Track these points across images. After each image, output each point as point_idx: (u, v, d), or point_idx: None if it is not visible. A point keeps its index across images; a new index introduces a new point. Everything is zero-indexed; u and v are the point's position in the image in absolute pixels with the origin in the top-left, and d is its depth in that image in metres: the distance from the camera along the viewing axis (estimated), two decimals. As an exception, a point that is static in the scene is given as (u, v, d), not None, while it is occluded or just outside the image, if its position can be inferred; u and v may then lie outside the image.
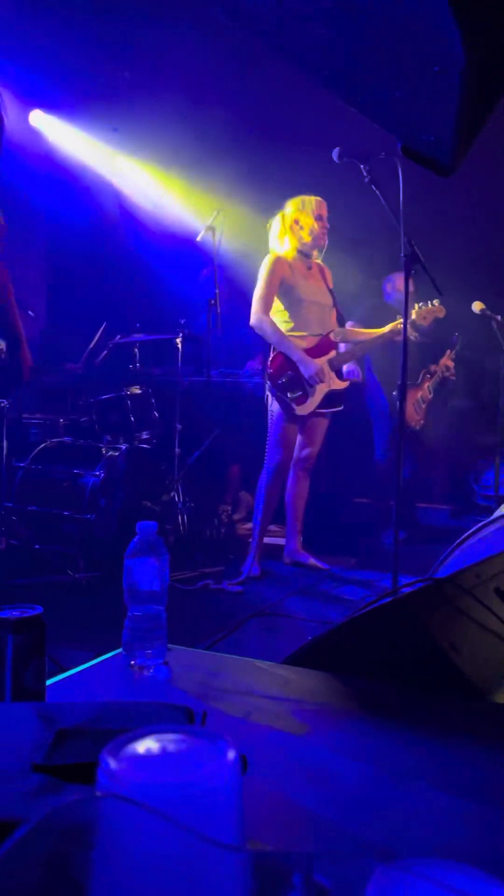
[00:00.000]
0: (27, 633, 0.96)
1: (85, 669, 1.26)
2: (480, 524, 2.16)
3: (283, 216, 3.75)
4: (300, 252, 3.78)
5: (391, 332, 3.86)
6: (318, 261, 3.87)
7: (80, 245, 5.22)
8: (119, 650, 1.31)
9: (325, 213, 3.74)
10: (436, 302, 3.76)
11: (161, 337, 4.33)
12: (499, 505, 2.49)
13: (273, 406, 3.73)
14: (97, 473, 3.61)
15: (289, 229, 3.73)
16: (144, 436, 4.00)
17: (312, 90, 3.89)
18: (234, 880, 0.28)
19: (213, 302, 4.17)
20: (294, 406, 3.69)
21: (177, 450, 4.17)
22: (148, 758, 0.32)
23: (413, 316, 3.81)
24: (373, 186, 2.59)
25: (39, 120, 4.97)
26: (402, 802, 0.82)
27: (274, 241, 3.79)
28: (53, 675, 1.17)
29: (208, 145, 4.73)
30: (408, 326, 3.77)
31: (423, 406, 4.83)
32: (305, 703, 1.11)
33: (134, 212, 5.73)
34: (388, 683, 1.18)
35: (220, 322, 4.12)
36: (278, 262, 3.73)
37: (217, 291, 4.15)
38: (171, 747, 0.33)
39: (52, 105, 4.90)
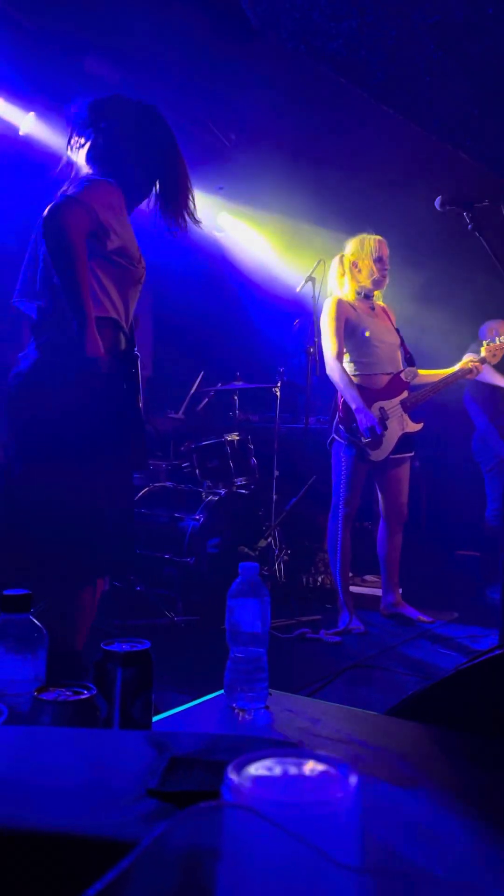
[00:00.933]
0: (136, 667, 0.99)
1: (186, 710, 1.27)
2: None
3: (342, 258, 3.70)
4: (359, 294, 3.69)
5: (461, 370, 3.77)
6: (380, 302, 3.81)
7: (185, 298, 5.43)
8: (220, 692, 1.31)
9: (385, 252, 3.66)
10: (502, 339, 3.72)
11: (260, 386, 4.41)
12: None
13: (343, 452, 3.59)
14: (197, 518, 3.67)
15: (348, 271, 3.67)
16: (243, 482, 4.05)
17: (413, 142, 3.95)
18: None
19: (311, 350, 4.22)
20: (368, 451, 3.55)
21: (274, 496, 4.19)
22: (272, 776, 0.33)
23: (482, 353, 3.77)
24: (476, 233, 2.57)
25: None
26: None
27: (333, 283, 3.74)
28: (156, 713, 1.18)
29: (310, 199, 4.85)
30: (476, 364, 3.72)
31: None
32: (411, 756, 1.07)
33: (237, 265, 5.93)
34: (496, 739, 1.12)
35: (318, 370, 4.16)
36: (340, 304, 3.65)
37: (316, 340, 4.20)
38: (293, 769, 0.33)
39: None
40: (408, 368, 3.75)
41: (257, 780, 0.32)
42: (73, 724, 0.80)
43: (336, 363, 3.58)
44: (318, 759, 0.34)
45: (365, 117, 3.98)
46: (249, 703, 1.25)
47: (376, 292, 3.75)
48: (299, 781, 0.33)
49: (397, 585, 3.89)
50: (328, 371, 3.64)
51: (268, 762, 0.34)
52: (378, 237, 3.66)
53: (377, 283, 3.69)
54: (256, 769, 0.33)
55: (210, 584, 3.54)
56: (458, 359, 4.65)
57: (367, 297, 3.72)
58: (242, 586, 1.32)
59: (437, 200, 2.74)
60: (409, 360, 3.82)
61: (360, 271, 3.66)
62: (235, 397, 4.45)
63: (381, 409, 3.61)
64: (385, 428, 3.56)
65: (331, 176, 4.65)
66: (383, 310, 3.83)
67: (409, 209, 3.85)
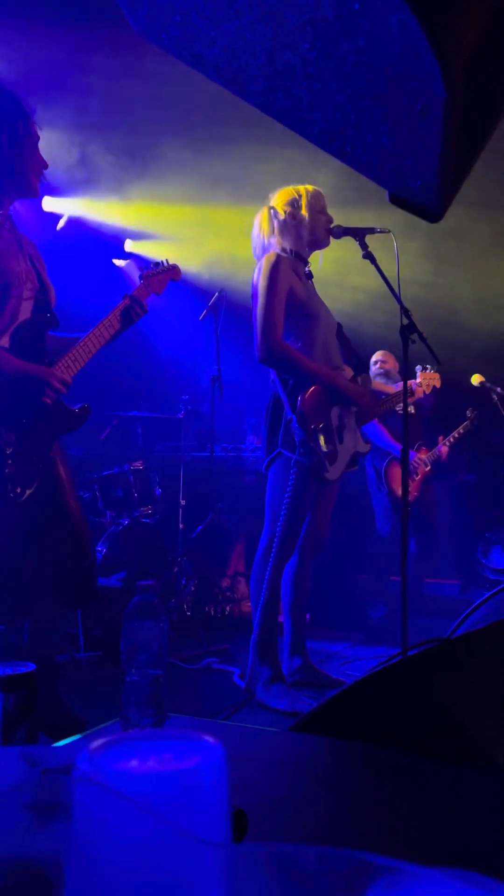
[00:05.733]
0: (18, 692, 0.93)
1: (81, 739, 1.21)
2: (490, 593, 2.12)
3: (271, 210, 2.85)
4: (297, 256, 2.83)
5: (395, 398, 3.36)
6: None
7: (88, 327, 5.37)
8: (117, 720, 1.26)
9: (325, 206, 2.89)
10: (435, 370, 3.77)
11: (162, 416, 4.38)
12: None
13: (291, 470, 2.67)
14: (99, 549, 3.57)
15: (283, 226, 2.81)
16: (147, 511, 3.98)
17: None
18: (212, 875, 0.26)
19: (215, 378, 4.23)
20: (326, 464, 2.66)
21: (180, 525, 4.14)
22: (131, 748, 0.30)
23: (419, 379, 3.76)
24: (369, 260, 2.66)
25: (52, 205, 5.26)
26: (433, 868, 0.76)
27: (258, 242, 2.87)
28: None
29: (210, 222, 4.91)
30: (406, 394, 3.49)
31: (416, 478, 4.72)
32: (311, 770, 1.06)
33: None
34: (396, 747, 1.12)
35: (222, 396, 4.17)
36: (284, 264, 2.72)
37: (219, 368, 4.22)
38: (156, 742, 0.31)
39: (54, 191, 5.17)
40: (363, 375, 2.93)
41: (115, 750, 0.30)
42: None
43: (281, 344, 2.67)
44: (183, 733, 0.32)
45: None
46: (154, 727, 1.20)
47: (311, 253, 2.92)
48: (160, 752, 0.30)
49: (304, 640, 2.93)
50: (266, 357, 2.67)
51: (131, 736, 0.31)
52: (313, 187, 2.90)
53: (318, 244, 2.86)
54: (117, 741, 0.30)
55: (113, 617, 3.44)
56: None
57: (304, 261, 2.87)
58: (138, 607, 1.28)
59: (334, 231, 2.82)
60: (353, 360, 2.96)
61: (301, 224, 2.80)
62: (139, 426, 4.40)
63: (340, 416, 2.82)
64: (341, 441, 2.78)
65: (229, 191, 4.71)
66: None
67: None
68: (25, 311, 2.13)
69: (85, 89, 4.10)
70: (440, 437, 5.09)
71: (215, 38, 0.87)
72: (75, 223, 5.25)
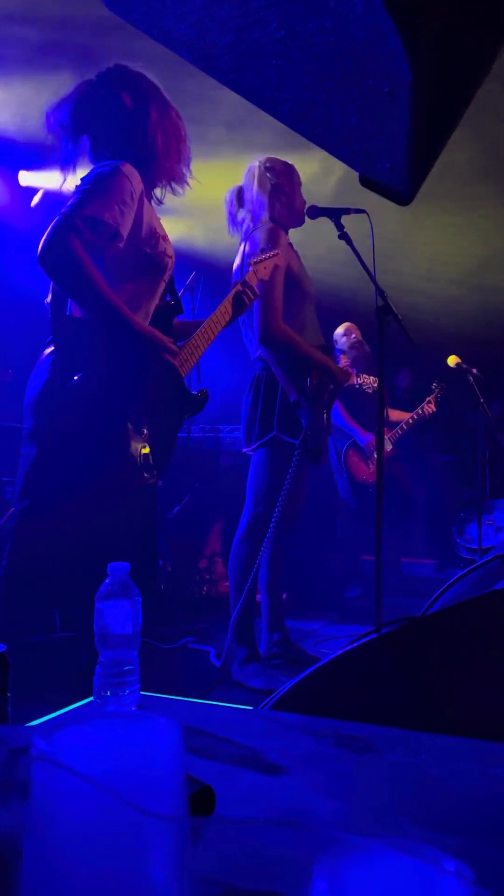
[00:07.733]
0: (-10, 673, 0.93)
1: (54, 718, 1.21)
2: (464, 571, 2.15)
3: (262, 168, 2.82)
4: (283, 226, 2.82)
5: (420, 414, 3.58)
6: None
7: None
8: (90, 699, 1.27)
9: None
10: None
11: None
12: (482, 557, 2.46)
13: (285, 454, 2.72)
14: (76, 530, 3.56)
15: (280, 188, 2.80)
16: (124, 492, 3.97)
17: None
18: (164, 848, 0.26)
19: (192, 359, 4.21)
20: (323, 453, 2.76)
21: (157, 506, 4.14)
22: (89, 727, 0.31)
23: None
24: (344, 241, 2.65)
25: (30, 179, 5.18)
26: (380, 839, 0.78)
27: (256, 199, 2.82)
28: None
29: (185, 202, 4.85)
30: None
31: (372, 466, 4.72)
32: (283, 746, 1.07)
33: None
34: (370, 722, 1.14)
35: (200, 378, 4.16)
36: (284, 239, 2.74)
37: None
38: (113, 721, 0.31)
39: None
40: (347, 363, 2.95)
41: (72, 731, 0.30)
42: None
43: (283, 326, 2.67)
44: (139, 714, 0.33)
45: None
46: (119, 707, 1.21)
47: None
48: (115, 731, 0.31)
49: (283, 617, 2.98)
50: (269, 339, 2.66)
51: (88, 719, 0.32)
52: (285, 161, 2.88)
53: (299, 220, 2.87)
54: (73, 722, 0.31)
55: (91, 597, 3.43)
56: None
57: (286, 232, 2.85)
58: (112, 587, 1.29)
59: (308, 210, 2.80)
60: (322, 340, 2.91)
61: (294, 193, 2.83)
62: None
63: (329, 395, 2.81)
64: (328, 428, 2.78)
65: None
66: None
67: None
68: (161, 294, 2.13)
69: (65, 53, 4.01)
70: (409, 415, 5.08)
71: (183, 15, 0.86)
72: (54, 198, 5.14)
